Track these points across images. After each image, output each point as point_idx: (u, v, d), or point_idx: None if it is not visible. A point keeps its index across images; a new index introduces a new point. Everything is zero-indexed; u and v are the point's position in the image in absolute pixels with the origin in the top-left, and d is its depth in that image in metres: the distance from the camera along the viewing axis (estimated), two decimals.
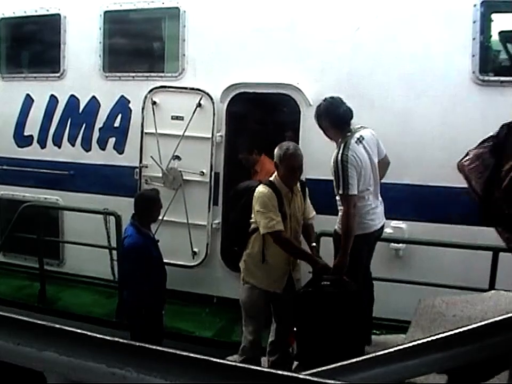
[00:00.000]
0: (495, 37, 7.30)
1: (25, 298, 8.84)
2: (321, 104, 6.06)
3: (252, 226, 5.89)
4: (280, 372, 1.21)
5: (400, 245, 7.23)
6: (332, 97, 6.05)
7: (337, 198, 5.86)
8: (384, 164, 6.18)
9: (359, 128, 5.97)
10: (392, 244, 7.22)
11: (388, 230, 7.13)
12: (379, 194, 6.10)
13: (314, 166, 7.21)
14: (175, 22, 8.30)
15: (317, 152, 7.19)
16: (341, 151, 5.69)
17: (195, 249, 8.16)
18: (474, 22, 6.90)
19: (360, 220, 5.84)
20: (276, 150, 5.82)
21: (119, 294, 7.81)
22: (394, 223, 7.19)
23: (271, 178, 5.91)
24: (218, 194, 8.10)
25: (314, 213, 6.22)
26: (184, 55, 8.26)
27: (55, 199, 9.20)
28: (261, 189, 5.78)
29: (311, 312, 5.62)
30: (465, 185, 6.85)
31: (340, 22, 7.53)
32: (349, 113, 5.93)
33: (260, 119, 8.32)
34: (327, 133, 6.05)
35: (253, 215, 5.82)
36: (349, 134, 5.84)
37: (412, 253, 7.27)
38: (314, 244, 6.12)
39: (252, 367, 1.24)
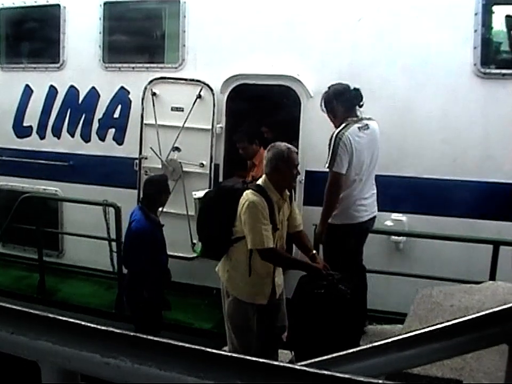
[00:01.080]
0: (496, 29, 7.28)
1: (24, 289, 8.84)
2: (330, 88, 6.10)
3: (236, 235, 5.31)
4: (276, 363, 1.20)
5: (401, 237, 7.21)
6: (340, 83, 6.10)
7: None
8: None
9: (367, 118, 6.01)
10: (393, 237, 7.21)
11: (388, 223, 7.15)
12: (373, 186, 6.14)
13: (315, 158, 7.20)
14: (175, 13, 8.27)
15: (317, 144, 7.18)
16: (339, 129, 5.79)
17: (194, 241, 8.11)
18: (476, 14, 6.86)
19: (345, 209, 5.93)
20: (270, 152, 5.27)
21: (119, 286, 7.83)
22: (394, 215, 7.20)
23: (259, 183, 5.32)
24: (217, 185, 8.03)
25: (301, 219, 5.79)
26: (184, 46, 8.22)
27: (54, 190, 9.19)
28: (250, 196, 5.14)
29: (304, 315, 5.47)
30: (465, 178, 6.92)
31: (341, 13, 7.49)
32: (359, 96, 6.00)
33: (260, 110, 8.25)
34: (335, 117, 6.05)
35: (237, 223, 5.25)
36: (355, 119, 5.89)
37: (412, 246, 7.25)
38: (314, 252, 5.62)
39: (248, 357, 1.23)
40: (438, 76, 7.10)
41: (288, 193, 5.47)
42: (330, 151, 5.74)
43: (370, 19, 7.33)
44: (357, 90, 6.00)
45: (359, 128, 5.83)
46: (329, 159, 5.75)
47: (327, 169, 5.82)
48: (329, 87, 6.12)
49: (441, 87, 7.10)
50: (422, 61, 7.12)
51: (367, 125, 5.90)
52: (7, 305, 1.46)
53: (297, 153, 5.40)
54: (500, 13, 7.16)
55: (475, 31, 6.87)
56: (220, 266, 5.61)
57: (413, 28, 7.13)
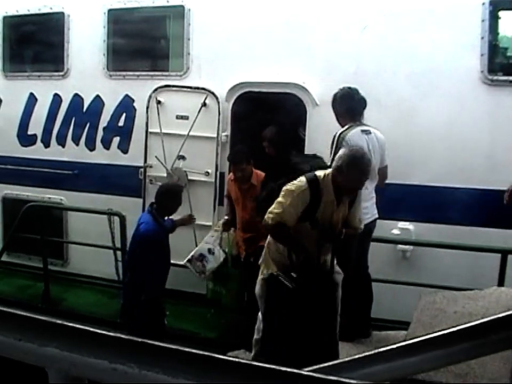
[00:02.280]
0: (503, 35, 7.24)
1: (29, 298, 8.79)
2: (338, 91, 6.23)
3: None
4: (282, 368, 1.20)
5: (408, 246, 7.15)
6: (349, 87, 6.22)
7: None
8: (381, 175, 6.27)
9: (371, 126, 6.09)
10: (399, 246, 7.17)
11: (395, 232, 7.09)
12: (372, 191, 6.15)
13: None
14: (179, 21, 8.26)
15: (323, 152, 7.12)
16: (342, 130, 5.91)
17: None
18: (483, 21, 6.82)
19: None
20: (344, 150, 5.07)
21: (124, 295, 7.80)
22: (401, 224, 7.15)
23: (320, 174, 5.04)
24: (224, 194, 8.01)
25: (362, 225, 5.44)
26: (189, 54, 8.22)
27: (59, 199, 9.18)
28: (300, 180, 4.97)
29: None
30: (472, 186, 6.88)
31: (346, 20, 7.46)
32: (362, 104, 6.13)
33: (265, 119, 8.20)
34: (339, 118, 6.21)
35: None
36: (358, 123, 6.01)
37: (419, 255, 7.19)
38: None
39: (254, 363, 1.24)
40: (444, 83, 7.06)
41: (348, 197, 5.16)
42: (333, 149, 5.79)
43: (375, 27, 7.30)
44: (360, 97, 6.15)
45: (362, 131, 5.94)
46: (331, 158, 5.71)
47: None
48: (340, 89, 6.23)
49: (448, 95, 7.06)
50: (428, 69, 7.08)
51: (369, 130, 5.97)
52: (16, 312, 1.47)
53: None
54: (507, 19, 7.12)
55: (482, 37, 6.83)
56: None
57: (419, 35, 7.08)
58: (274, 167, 7.13)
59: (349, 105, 6.10)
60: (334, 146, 5.81)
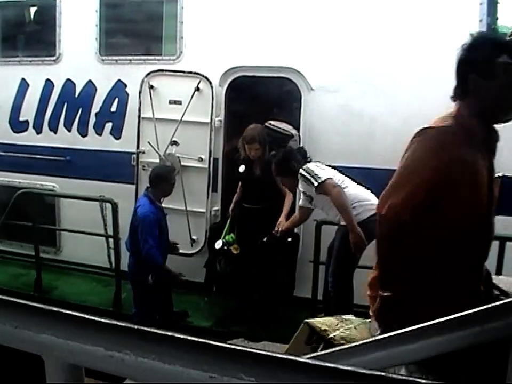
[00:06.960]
0: (502, 18, 7.14)
1: (21, 287, 8.69)
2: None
3: None
4: (279, 355, 1.20)
5: None
6: None
7: None
8: None
9: None
10: None
11: None
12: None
13: (317, 151, 7.06)
14: (173, 4, 8.17)
15: (319, 137, 7.08)
16: None
17: (194, 237, 8.06)
18: (481, 4, 6.74)
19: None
20: None
21: (117, 283, 7.77)
22: None
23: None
24: (217, 180, 7.98)
25: None
26: (182, 37, 8.13)
27: (52, 186, 9.08)
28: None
29: None
30: None
31: (342, 4, 7.36)
32: None
33: (259, 104, 8.10)
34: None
35: None
36: None
37: None
38: None
39: (251, 349, 1.23)
40: (442, 68, 6.94)
41: None
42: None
43: (372, 11, 7.21)
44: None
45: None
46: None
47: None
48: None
49: (445, 80, 6.92)
50: (425, 53, 6.99)
51: None
52: (12, 299, 1.46)
53: None
54: (505, 1, 7.02)
55: (480, 20, 6.76)
56: None
57: (416, 17, 7.01)
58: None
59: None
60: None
